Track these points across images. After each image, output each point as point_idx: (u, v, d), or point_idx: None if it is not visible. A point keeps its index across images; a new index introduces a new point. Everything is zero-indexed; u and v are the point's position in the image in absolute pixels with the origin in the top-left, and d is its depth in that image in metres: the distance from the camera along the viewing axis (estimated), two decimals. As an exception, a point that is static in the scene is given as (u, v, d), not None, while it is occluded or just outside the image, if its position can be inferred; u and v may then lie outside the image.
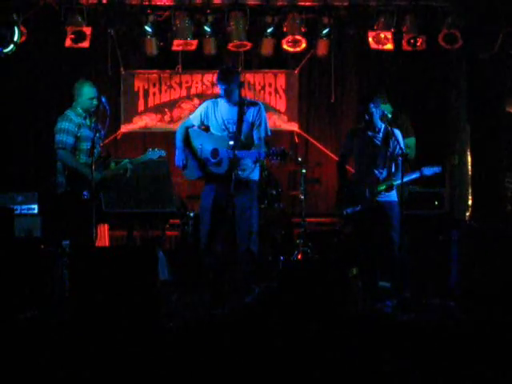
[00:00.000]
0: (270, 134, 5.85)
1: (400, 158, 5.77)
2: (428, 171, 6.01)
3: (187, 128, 5.87)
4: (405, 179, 5.90)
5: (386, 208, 5.95)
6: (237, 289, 5.69)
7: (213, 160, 5.70)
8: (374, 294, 5.99)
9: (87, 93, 5.91)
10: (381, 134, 6.00)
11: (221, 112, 5.78)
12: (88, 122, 5.96)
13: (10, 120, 8.61)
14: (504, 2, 7.84)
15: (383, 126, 6.00)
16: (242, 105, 5.74)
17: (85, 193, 5.76)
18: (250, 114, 5.73)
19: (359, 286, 6.38)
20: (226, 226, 5.78)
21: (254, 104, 5.79)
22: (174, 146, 5.90)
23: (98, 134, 5.89)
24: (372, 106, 5.97)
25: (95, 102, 5.92)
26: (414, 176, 6.06)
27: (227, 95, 5.69)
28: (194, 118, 5.89)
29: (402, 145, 5.83)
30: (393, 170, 5.98)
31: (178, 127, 6.01)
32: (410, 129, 6.82)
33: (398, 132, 5.98)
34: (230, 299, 5.68)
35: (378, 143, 6.01)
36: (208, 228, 5.78)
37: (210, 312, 5.63)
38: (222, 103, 5.79)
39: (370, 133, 6.01)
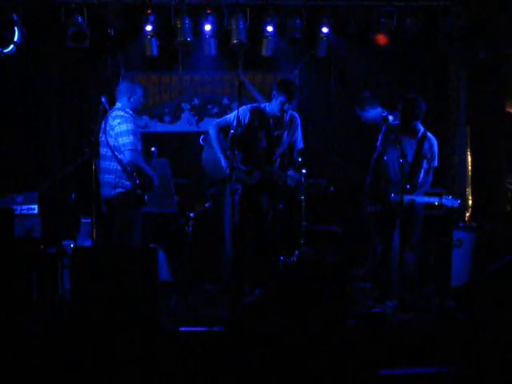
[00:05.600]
0: None
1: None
2: (447, 202, 5.95)
3: None
4: (423, 199, 5.93)
5: (408, 210, 5.91)
6: None
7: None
8: (385, 293, 5.99)
9: (139, 92, 5.97)
10: (416, 138, 6.00)
11: None
12: None
13: (10, 120, 8.59)
14: (504, 2, 7.84)
15: (421, 129, 6.03)
16: None
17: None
18: None
19: (366, 287, 6.40)
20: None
21: None
22: (173, 146, 5.90)
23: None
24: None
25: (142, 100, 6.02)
26: (432, 200, 6.03)
27: None
28: None
29: (435, 154, 5.91)
30: (421, 177, 5.97)
31: None
32: None
33: (434, 140, 6.01)
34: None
35: (412, 146, 6.00)
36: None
37: (210, 313, 5.65)
38: None
39: (404, 134, 6.00)
